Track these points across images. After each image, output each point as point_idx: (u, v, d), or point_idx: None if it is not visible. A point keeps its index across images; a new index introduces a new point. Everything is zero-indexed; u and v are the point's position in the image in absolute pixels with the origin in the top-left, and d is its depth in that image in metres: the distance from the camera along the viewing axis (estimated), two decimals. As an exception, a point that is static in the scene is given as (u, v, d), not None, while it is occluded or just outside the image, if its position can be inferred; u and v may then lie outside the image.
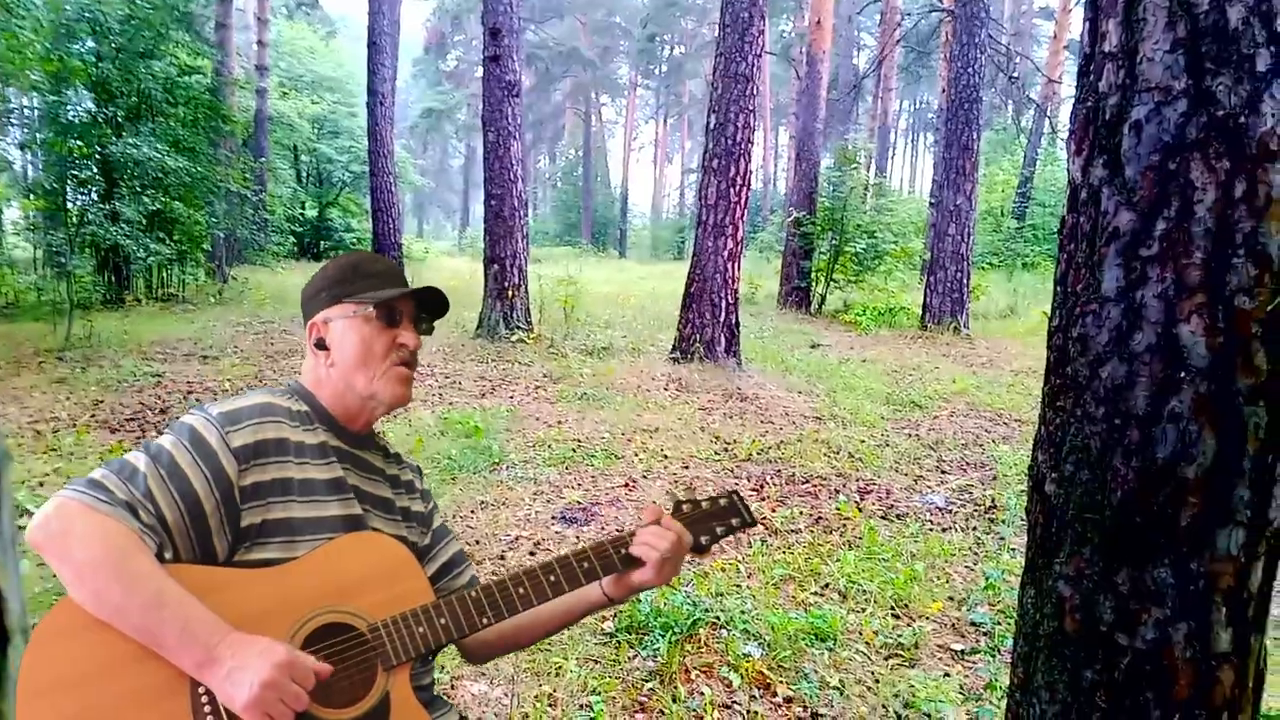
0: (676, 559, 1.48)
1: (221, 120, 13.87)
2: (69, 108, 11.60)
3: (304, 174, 26.93)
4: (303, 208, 25.90)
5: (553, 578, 1.43)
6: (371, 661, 1.31)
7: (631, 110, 51.50)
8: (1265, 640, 1.51)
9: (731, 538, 1.64)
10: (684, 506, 1.57)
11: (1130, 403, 1.46)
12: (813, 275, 15.50)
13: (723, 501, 1.60)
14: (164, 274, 13.17)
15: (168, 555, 1.25)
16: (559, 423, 6.96)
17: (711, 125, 9.48)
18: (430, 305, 1.55)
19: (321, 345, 1.48)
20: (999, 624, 3.78)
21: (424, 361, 9.02)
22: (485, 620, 1.39)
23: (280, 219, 23.52)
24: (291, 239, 24.62)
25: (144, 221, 11.95)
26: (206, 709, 1.19)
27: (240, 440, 1.32)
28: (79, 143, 11.16)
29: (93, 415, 6.36)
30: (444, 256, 29.43)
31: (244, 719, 1.15)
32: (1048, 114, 22.80)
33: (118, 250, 11.69)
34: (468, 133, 47.79)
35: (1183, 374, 1.41)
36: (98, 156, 11.50)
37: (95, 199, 11.78)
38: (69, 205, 11.58)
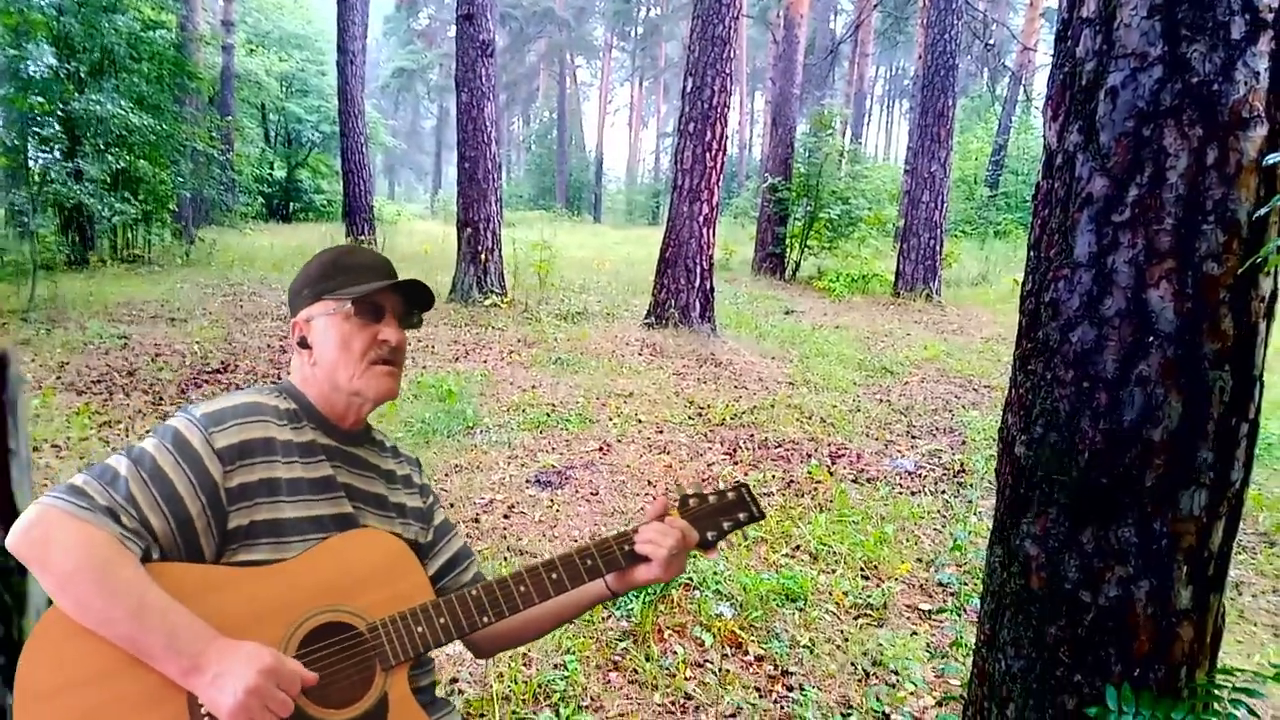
0: (682, 556, 1.46)
1: (187, 77, 13.52)
2: (29, 63, 11.23)
3: (272, 134, 26.40)
4: (271, 168, 25.42)
5: (554, 575, 1.41)
6: (370, 661, 1.29)
7: (607, 72, 50.90)
8: (1223, 598, 1.56)
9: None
10: (690, 501, 1.55)
11: (1099, 366, 1.49)
12: (787, 241, 15.50)
13: (730, 495, 1.57)
14: (129, 234, 12.89)
15: (154, 558, 1.23)
16: (533, 387, 6.96)
17: (688, 89, 9.40)
18: (416, 298, 1.51)
19: (304, 344, 1.45)
20: (965, 584, 3.87)
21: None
22: (485, 620, 1.37)
23: (248, 179, 23.09)
24: (260, 200, 24.20)
25: (108, 180, 11.67)
26: (204, 713, 1.18)
27: (225, 441, 1.29)
28: (40, 99, 10.83)
29: (58, 378, 6.26)
30: (416, 219, 29.07)
31: None
32: (1023, 82, 22.83)
33: (81, 210, 11.43)
34: (440, 93, 47.03)
35: (1151, 339, 1.44)
36: (60, 113, 11.19)
37: (58, 157, 11.47)
38: (30, 163, 11.26)
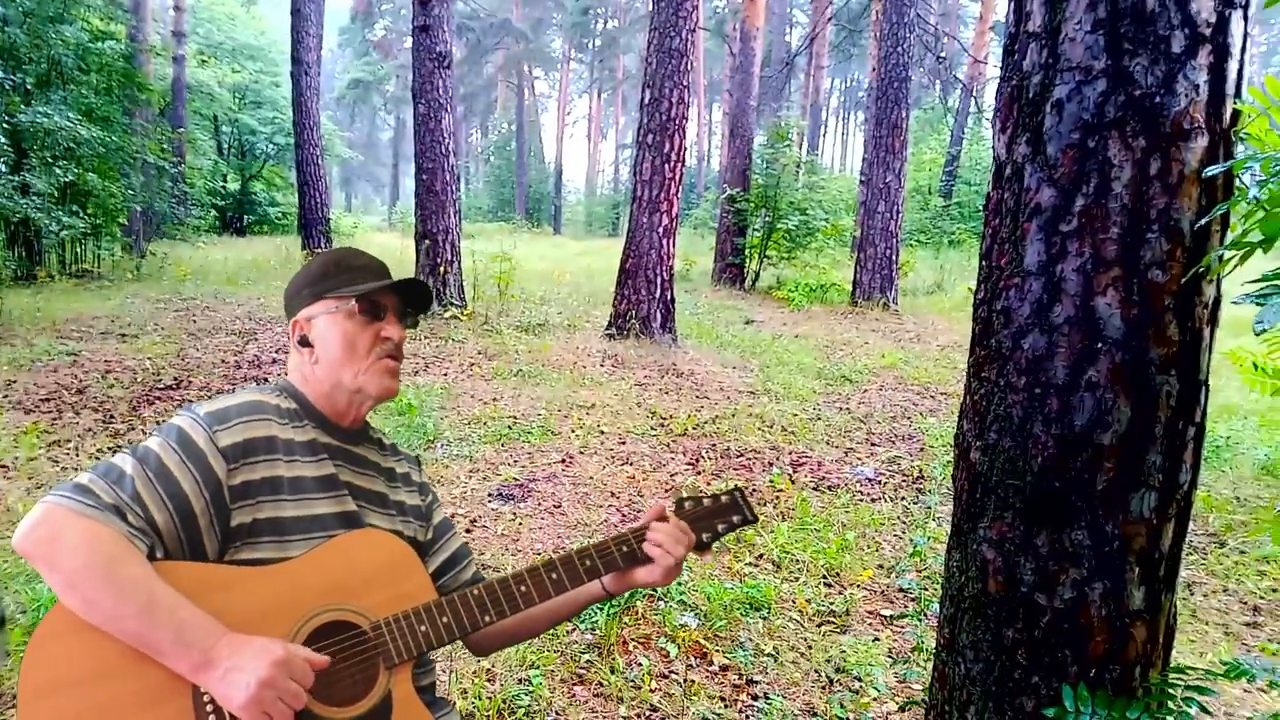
0: (682, 562, 1.48)
1: (137, 88, 13.29)
2: (-27, 75, 10.99)
3: (225, 145, 26.01)
4: (224, 180, 25.02)
5: (554, 575, 1.43)
6: (373, 660, 1.30)
7: (565, 84, 50.97)
8: (1175, 598, 1.59)
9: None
10: (686, 504, 1.57)
11: (1050, 373, 1.52)
12: (746, 252, 15.61)
13: (724, 498, 1.60)
14: (78, 249, 12.61)
15: (159, 555, 1.23)
16: (494, 400, 6.92)
17: (646, 101, 9.44)
18: (415, 298, 1.53)
19: (305, 343, 1.46)
20: (925, 589, 3.91)
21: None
22: (487, 619, 1.38)
23: (201, 192, 22.69)
24: (213, 213, 23.79)
25: (56, 194, 11.40)
26: (209, 709, 1.18)
27: (228, 439, 1.30)
28: (-15, 111, 10.60)
29: (5, 396, 6.09)
30: (374, 232, 28.83)
31: (242, 719, 1.14)
32: (973, 94, 23.27)
33: (28, 224, 11.15)
34: (397, 105, 46.79)
35: (1100, 345, 1.47)
36: (6, 126, 10.91)
37: (4, 170, 11.17)
38: (-26, 177, 11.00)
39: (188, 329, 8.93)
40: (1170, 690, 1.47)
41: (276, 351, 8.15)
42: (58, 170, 11.37)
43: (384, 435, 1.61)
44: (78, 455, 5.09)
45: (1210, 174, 1.38)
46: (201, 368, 7.35)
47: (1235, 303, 1.07)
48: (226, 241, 20.47)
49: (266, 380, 7.00)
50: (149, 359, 7.48)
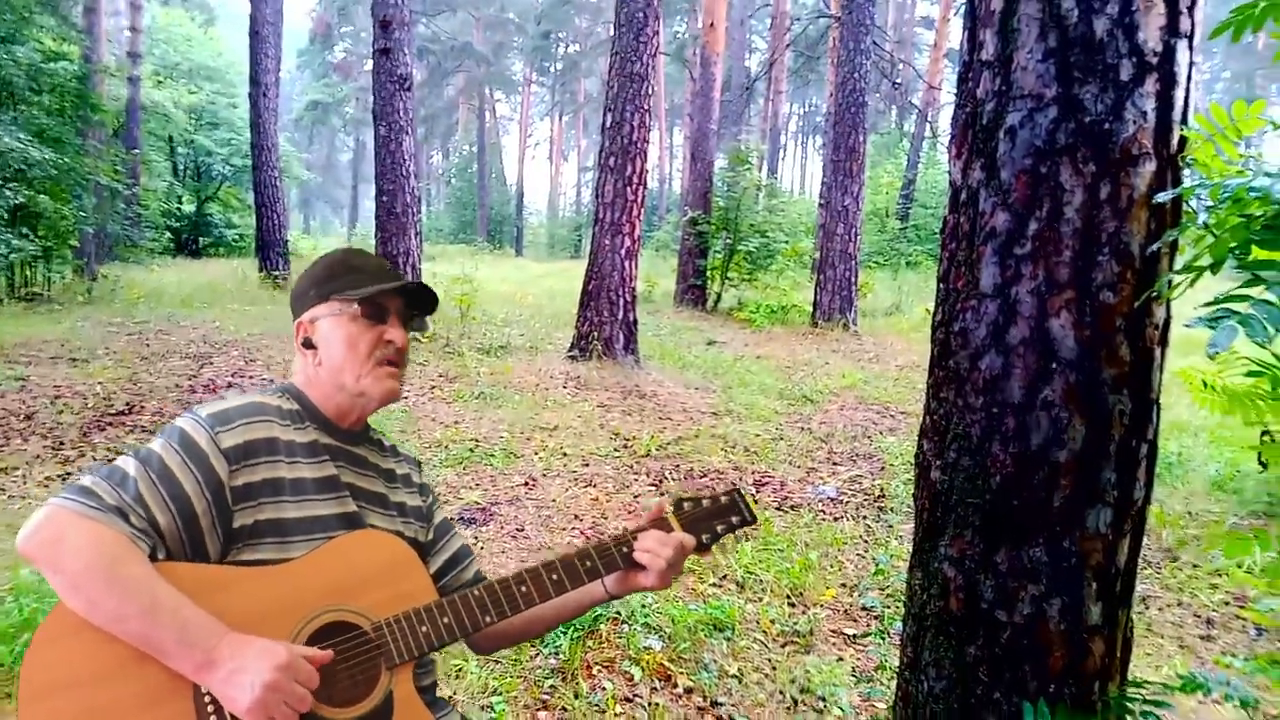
0: (679, 565, 1.48)
1: (90, 109, 13.09)
2: (-78, 95, 10.78)
3: (181, 167, 25.66)
4: (179, 202, 24.65)
5: (555, 576, 1.43)
6: (375, 660, 1.30)
7: (526, 107, 51.08)
8: (1131, 613, 1.62)
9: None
10: (685, 505, 1.57)
11: (1007, 393, 1.55)
12: (708, 274, 15.71)
13: (724, 499, 1.60)
14: (28, 272, 12.32)
15: (160, 557, 1.23)
16: (456, 423, 6.86)
17: (607, 124, 9.50)
18: (420, 302, 1.53)
19: (309, 344, 1.46)
20: (888, 608, 3.93)
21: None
22: (488, 619, 1.39)
23: (155, 214, 22.33)
24: (168, 235, 23.41)
25: (6, 216, 11.17)
26: (210, 710, 1.18)
27: (230, 441, 1.30)
28: (-67, 133, 10.38)
29: (-52, 422, 5.92)
30: (333, 254, 28.53)
31: None
32: (929, 119, 23.76)
33: (-24, 247, 10.92)
34: (356, 126, 46.51)
35: (1054, 365, 1.51)
36: (-46, 147, 10.72)
37: (-48, 193, 10.97)
38: (-77, 199, 10.75)
39: (140, 353, 8.75)
40: (1128, 704, 1.49)
41: (232, 375, 8.02)
42: (7, 192, 11.14)
43: (384, 436, 1.61)
44: (25, 483, 4.95)
45: (1160, 200, 1.42)
46: (155, 392, 7.21)
47: (1187, 326, 1.10)
48: (181, 264, 20.14)
49: (223, 404, 6.90)
50: (100, 384, 7.31)
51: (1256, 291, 0.95)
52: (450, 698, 2.99)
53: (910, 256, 22.26)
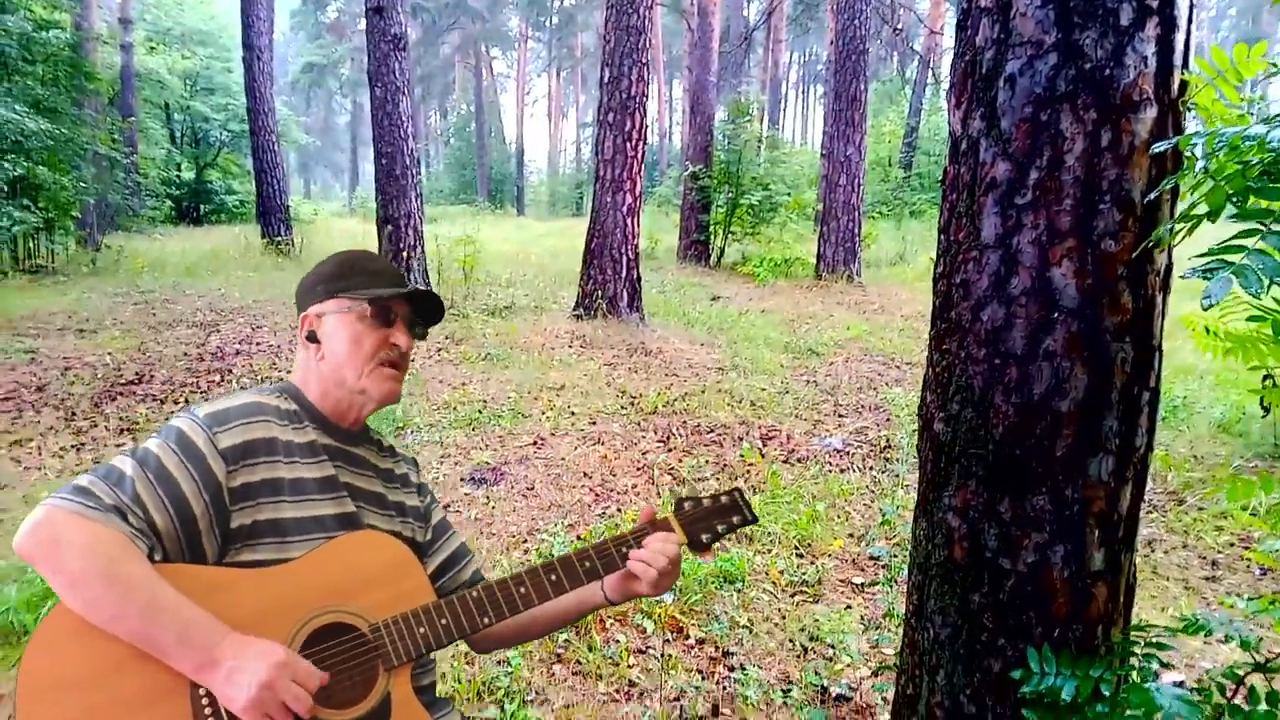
0: (673, 572, 1.48)
1: (85, 78, 12.95)
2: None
3: (178, 134, 25.45)
4: (178, 170, 24.49)
5: (554, 577, 1.44)
6: (372, 662, 1.31)
7: (523, 63, 50.42)
8: (1134, 557, 1.64)
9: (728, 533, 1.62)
10: (685, 504, 1.58)
11: (1009, 343, 1.56)
12: (711, 229, 15.62)
13: (724, 499, 1.60)
14: (31, 244, 12.30)
15: (157, 558, 1.23)
16: (463, 384, 6.89)
17: (605, 79, 9.39)
18: (426, 311, 1.54)
19: (313, 338, 1.46)
20: (895, 556, 3.98)
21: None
22: (486, 620, 1.39)
23: (155, 182, 22.21)
24: (169, 203, 23.29)
25: (6, 188, 11.13)
26: (207, 710, 1.18)
27: (228, 441, 1.31)
28: (-75, 106, 10.30)
29: (-40, 397, 5.97)
30: (334, 218, 28.39)
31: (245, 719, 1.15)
32: (930, 65, 23.39)
33: (-22, 220, 10.90)
34: (353, 88, 46.01)
35: (1056, 315, 1.51)
36: (-50, 120, 10.64)
37: (-49, 167, 10.92)
38: (-80, 174, 10.70)
39: (147, 322, 8.78)
40: (1132, 647, 1.52)
41: (240, 343, 8.05)
42: (6, 164, 11.09)
43: (383, 437, 1.61)
44: (40, 454, 5.01)
45: (1157, 151, 1.40)
46: (163, 361, 7.24)
47: (1183, 277, 1.10)
48: (183, 232, 20.08)
49: (230, 372, 6.93)
50: (109, 354, 7.35)
51: (1252, 242, 0.94)
52: (466, 653, 3.05)
53: (914, 205, 22.08)
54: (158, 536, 1.23)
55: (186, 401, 6.19)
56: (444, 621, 1.36)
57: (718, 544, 1.59)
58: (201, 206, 24.69)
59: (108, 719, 1.15)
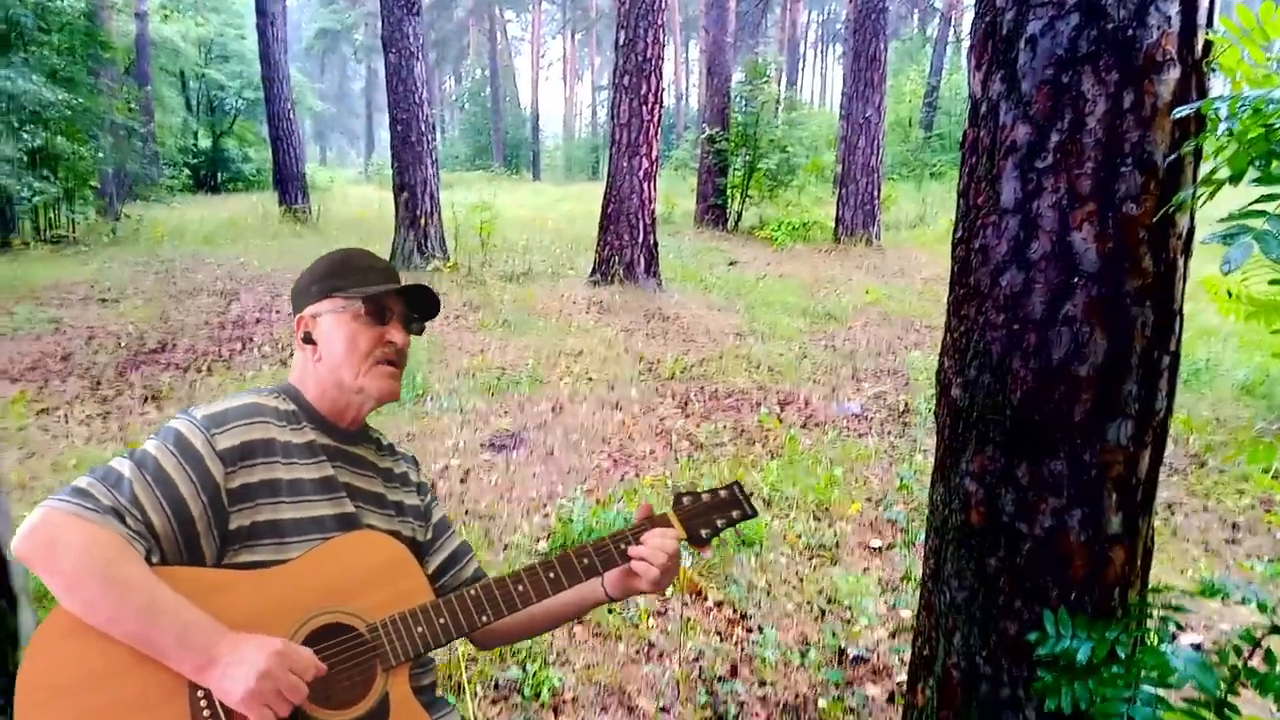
0: (673, 569, 1.47)
1: (100, 47, 12.96)
2: (-69, 40, 10.71)
3: (194, 102, 25.46)
4: (195, 138, 24.56)
5: (552, 575, 1.43)
6: (371, 662, 1.31)
7: (537, 26, 49.87)
8: (1152, 521, 1.65)
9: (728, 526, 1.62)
10: (684, 499, 1.57)
11: (1028, 308, 1.55)
12: (728, 192, 15.50)
13: (723, 493, 1.60)
14: (52, 214, 12.41)
15: (154, 560, 1.23)
16: (481, 351, 6.93)
17: (620, 41, 9.29)
18: (421, 305, 1.53)
19: (309, 340, 1.46)
20: (913, 520, 4.00)
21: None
22: (484, 619, 1.39)
23: (172, 151, 22.29)
24: (186, 171, 23.37)
25: (25, 159, 11.20)
26: (205, 711, 1.18)
27: (226, 442, 1.30)
28: (-56, 78, 10.34)
29: (-12, 367, 6.06)
30: (351, 185, 28.38)
31: (242, 712, 1.15)
32: (952, 22, 22.97)
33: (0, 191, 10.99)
34: (367, 54, 45.71)
35: (1076, 279, 1.50)
36: (-31, 92, 10.69)
37: (-30, 138, 10.98)
38: (-60, 147, 10.77)
39: (168, 291, 8.86)
40: (1148, 610, 1.53)
41: (260, 311, 8.11)
42: (25, 135, 11.15)
43: (382, 436, 1.61)
44: (66, 422, 5.09)
45: (1179, 115, 1.38)
46: (185, 329, 7.32)
47: (1204, 242, 1.09)
48: (201, 200, 20.17)
49: (251, 340, 6.99)
50: (131, 323, 7.44)
51: (1274, 206, 0.93)
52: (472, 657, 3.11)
53: (934, 167, 21.80)
54: (155, 538, 1.23)
55: (210, 370, 6.26)
56: (442, 621, 1.36)
57: (717, 539, 1.58)
58: (219, 174, 24.77)
59: None
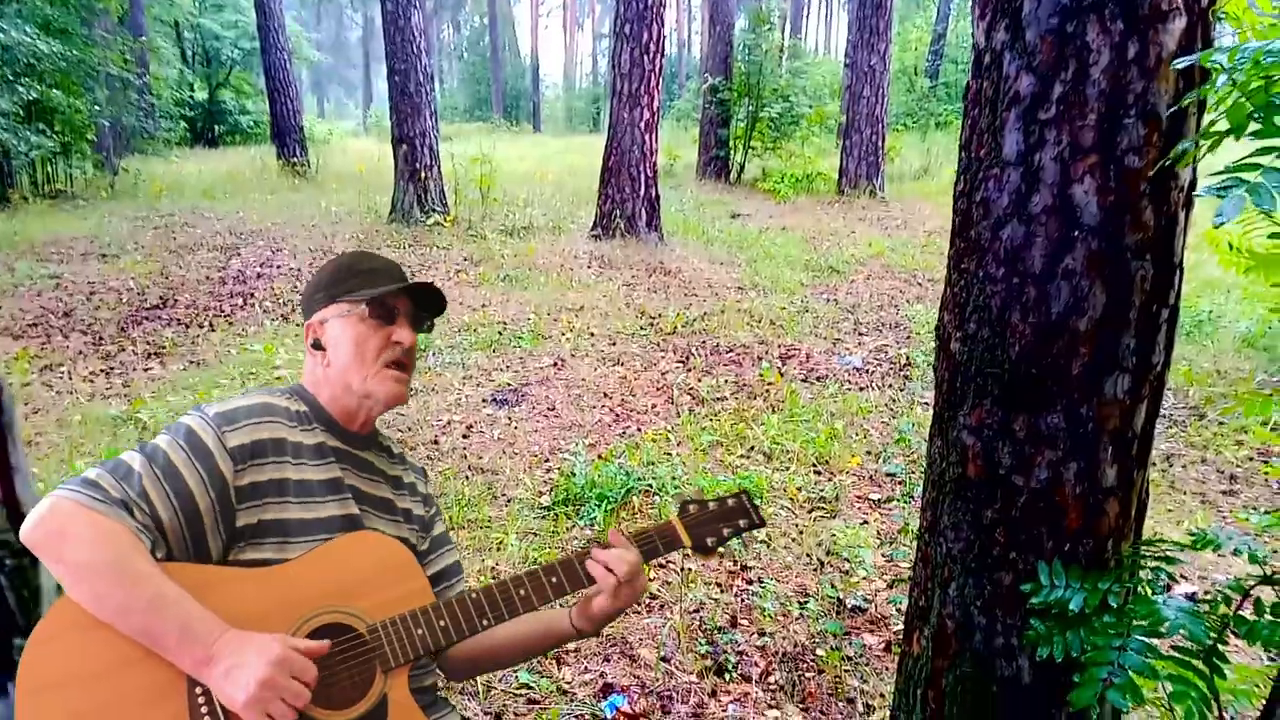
0: (635, 580, 1.45)
1: (93, -4, 12.76)
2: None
3: (189, 53, 25.10)
4: (191, 90, 24.24)
5: (554, 579, 1.44)
6: (370, 663, 1.31)
7: (537, -27, 49.00)
8: (1147, 474, 1.66)
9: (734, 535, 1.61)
10: (690, 507, 1.57)
11: (1028, 262, 1.54)
12: (731, 144, 15.33)
13: (730, 502, 1.60)
14: (49, 168, 12.31)
15: (159, 555, 1.24)
16: (483, 306, 6.92)
17: (621, -12, 9.13)
18: (428, 303, 1.53)
19: (318, 346, 1.47)
20: (911, 474, 4.03)
21: (338, 250, 8.79)
22: (485, 622, 1.39)
23: (168, 103, 22.02)
24: (183, 124, 23.13)
25: (21, 113, 11.09)
26: (203, 709, 1.19)
27: (237, 440, 1.32)
28: (-65, 30, 10.18)
29: (-10, 323, 6.08)
30: (349, 138, 28.10)
31: (244, 718, 1.16)
32: (960, -33, 22.50)
33: (-3, 145, 10.89)
34: (364, 2, 45.01)
35: (1076, 233, 1.49)
36: (-40, 44, 10.53)
37: (-36, 91, 10.85)
38: (-66, 100, 10.66)
39: (168, 246, 8.83)
40: (1141, 561, 1.55)
41: (260, 266, 8.09)
42: (20, 88, 11.01)
43: (393, 443, 1.62)
44: (70, 379, 5.12)
45: (1180, 66, 1.36)
46: (186, 285, 7.32)
47: (1198, 195, 1.08)
48: (199, 154, 20.00)
49: (253, 295, 6.99)
50: (132, 279, 7.43)
51: (1269, 159, 0.92)
52: (493, 568, 3.15)
53: (940, 117, 21.54)
54: (162, 533, 1.24)
55: (211, 326, 6.27)
56: (442, 623, 1.36)
57: (722, 547, 1.57)
58: (216, 127, 24.50)
59: (104, 719, 1.16)
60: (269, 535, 1.32)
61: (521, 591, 1.42)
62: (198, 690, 1.20)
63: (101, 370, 5.30)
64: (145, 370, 5.34)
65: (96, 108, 12.97)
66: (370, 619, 1.33)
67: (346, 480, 1.43)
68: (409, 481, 1.59)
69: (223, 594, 1.24)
